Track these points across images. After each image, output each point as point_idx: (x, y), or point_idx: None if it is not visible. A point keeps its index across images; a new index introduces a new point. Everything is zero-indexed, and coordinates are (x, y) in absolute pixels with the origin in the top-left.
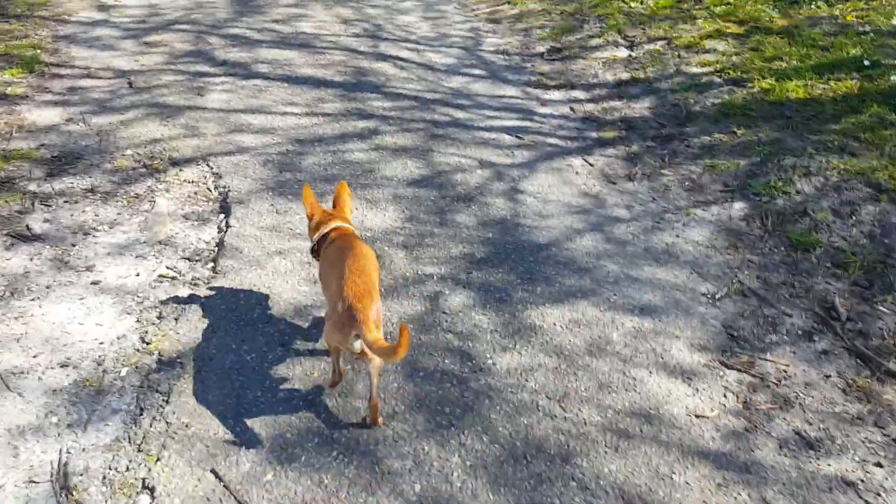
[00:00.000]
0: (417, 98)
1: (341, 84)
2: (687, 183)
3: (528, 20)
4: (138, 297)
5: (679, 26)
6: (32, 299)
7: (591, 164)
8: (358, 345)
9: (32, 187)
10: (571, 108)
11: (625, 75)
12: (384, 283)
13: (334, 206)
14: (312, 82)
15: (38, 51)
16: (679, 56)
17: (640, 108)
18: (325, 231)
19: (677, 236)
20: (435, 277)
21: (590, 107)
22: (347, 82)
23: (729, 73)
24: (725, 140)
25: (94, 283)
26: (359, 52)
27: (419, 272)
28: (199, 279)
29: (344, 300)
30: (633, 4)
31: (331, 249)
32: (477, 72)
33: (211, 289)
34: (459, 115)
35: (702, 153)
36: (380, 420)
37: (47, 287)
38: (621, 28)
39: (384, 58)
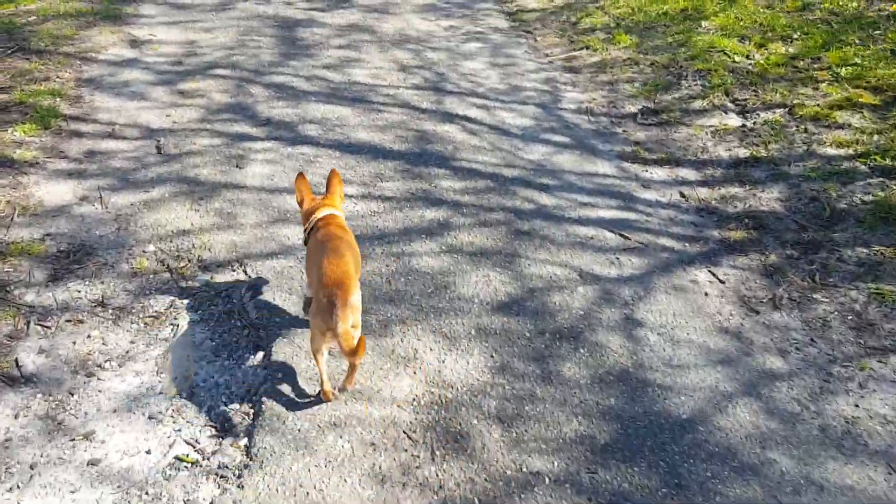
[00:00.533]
0: (493, 176)
1: (403, 154)
2: (850, 317)
3: (612, 71)
4: (147, 493)
5: (798, 90)
6: (10, 489)
7: (722, 281)
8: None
9: (30, 297)
10: (682, 195)
11: (742, 152)
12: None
13: (326, 193)
14: (369, 150)
15: (58, 99)
16: (806, 130)
17: (768, 198)
18: (316, 220)
19: (856, 406)
20: (546, 480)
21: (704, 192)
22: (410, 152)
23: (876, 160)
24: (890, 255)
25: (92, 462)
26: (421, 111)
27: (523, 467)
28: (227, 468)
29: (325, 287)
30: (737, 59)
31: (315, 237)
32: (559, 138)
33: (241, 487)
34: (545, 199)
35: (861, 272)
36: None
37: (31, 466)
38: (728, 88)
39: (450, 118)
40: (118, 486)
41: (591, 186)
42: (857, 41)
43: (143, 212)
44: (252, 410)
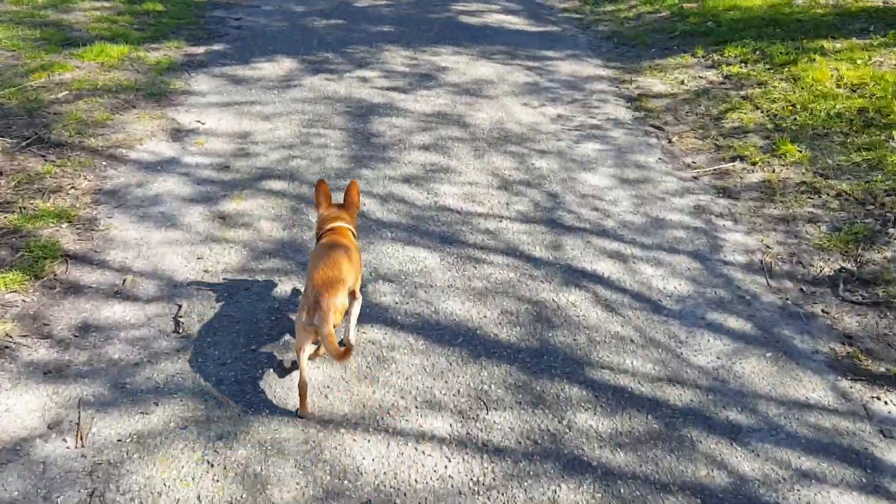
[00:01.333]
0: (653, 405)
1: (514, 351)
2: None
3: (784, 200)
4: None
5: None
6: None
7: None
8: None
9: None
10: None
11: None
12: None
13: (343, 204)
14: (464, 339)
15: (65, 225)
16: None
17: None
18: (326, 229)
19: None
20: None
21: None
22: (522, 346)
23: None
24: None
25: None
26: (533, 262)
27: None
28: None
29: (313, 287)
30: None
31: (318, 244)
32: (735, 323)
33: None
34: (741, 460)
35: None
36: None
37: None
38: None
39: (575, 277)
40: None
41: (802, 431)
42: None
43: (132, 460)
44: None
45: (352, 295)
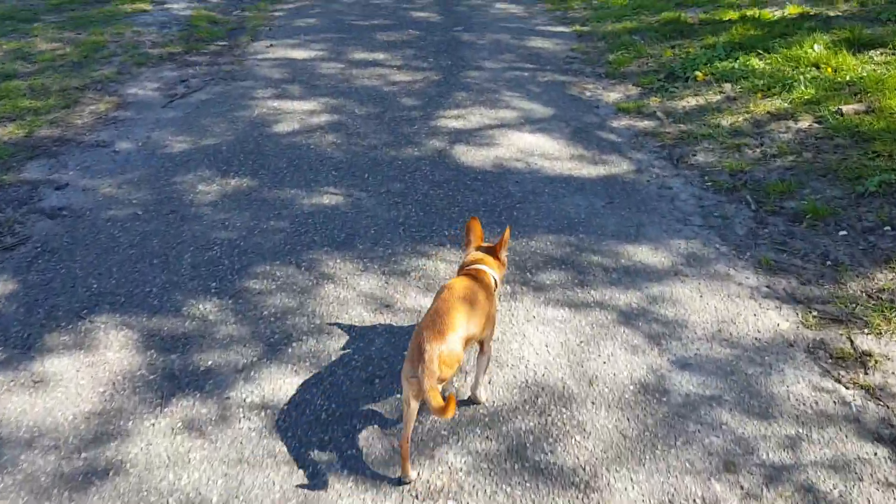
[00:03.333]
0: None
1: None
2: None
3: None
4: None
5: None
6: None
7: None
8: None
9: None
10: None
11: None
12: None
13: (494, 247)
14: None
15: None
16: None
17: None
18: (465, 268)
19: None
20: None
21: None
22: None
23: None
24: None
25: None
26: None
27: None
28: None
29: (419, 332)
30: None
31: (443, 285)
32: None
33: None
34: None
35: None
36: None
37: None
38: None
39: None
40: None
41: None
42: None
43: None
44: None
45: (480, 347)
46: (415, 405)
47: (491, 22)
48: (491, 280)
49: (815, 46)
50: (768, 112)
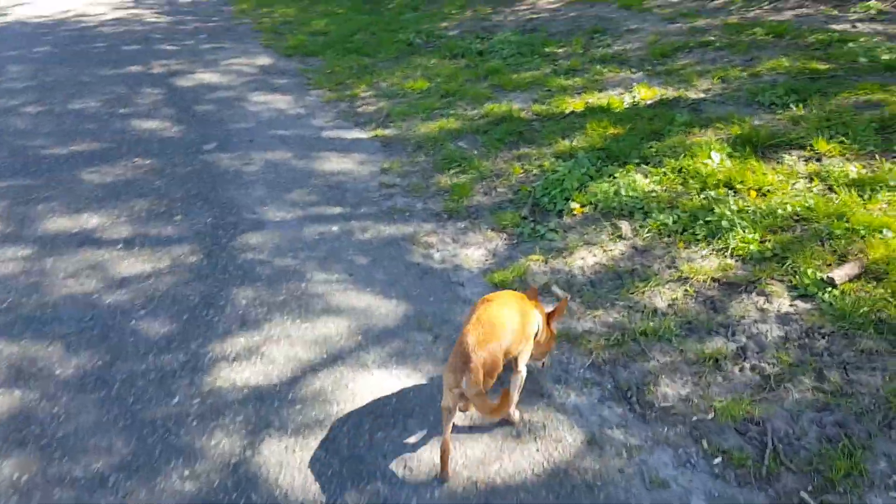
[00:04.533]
0: None
1: None
2: None
3: None
4: None
5: None
6: None
7: None
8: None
9: None
10: None
11: None
12: None
13: (549, 313)
14: None
15: None
16: None
17: None
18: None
19: None
20: None
21: None
22: None
23: None
24: None
25: None
26: None
27: None
28: None
29: (461, 343)
30: None
31: (483, 298)
32: None
33: None
34: None
35: None
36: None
37: None
38: None
39: None
40: None
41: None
42: None
43: None
44: None
45: (514, 363)
46: (455, 410)
47: (255, 129)
48: (536, 311)
49: (714, 155)
50: (715, 280)
